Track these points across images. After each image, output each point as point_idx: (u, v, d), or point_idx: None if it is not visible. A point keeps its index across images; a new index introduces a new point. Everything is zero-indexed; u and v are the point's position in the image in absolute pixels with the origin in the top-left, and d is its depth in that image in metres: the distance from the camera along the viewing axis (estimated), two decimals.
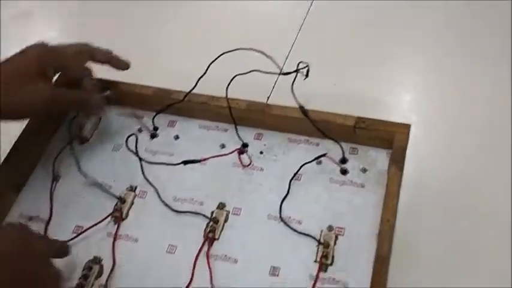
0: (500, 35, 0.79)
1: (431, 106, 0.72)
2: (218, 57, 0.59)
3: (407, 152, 0.55)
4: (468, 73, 0.75)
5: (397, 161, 0.53)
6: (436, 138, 0.67)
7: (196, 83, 0.60)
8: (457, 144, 0.66)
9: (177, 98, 0.62)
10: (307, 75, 0.56)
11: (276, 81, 0.74)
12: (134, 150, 0.57)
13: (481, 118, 0.69)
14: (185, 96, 0.61)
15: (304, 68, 0.56)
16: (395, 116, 0.57)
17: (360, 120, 0.57)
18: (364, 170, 0.57)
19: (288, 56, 0.79)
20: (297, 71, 0.56)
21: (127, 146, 0.57)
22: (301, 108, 0.58)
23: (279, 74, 0.58)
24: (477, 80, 0.74)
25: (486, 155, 0.65)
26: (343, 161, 0.58)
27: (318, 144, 0.60)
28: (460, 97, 0.72)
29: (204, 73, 0.60)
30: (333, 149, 0.58)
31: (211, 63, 0.59)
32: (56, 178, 0.61)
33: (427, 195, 0.60)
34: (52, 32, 0.99)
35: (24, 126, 0.63)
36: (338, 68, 0.77)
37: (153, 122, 0.64)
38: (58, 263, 0.52)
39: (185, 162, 0.56)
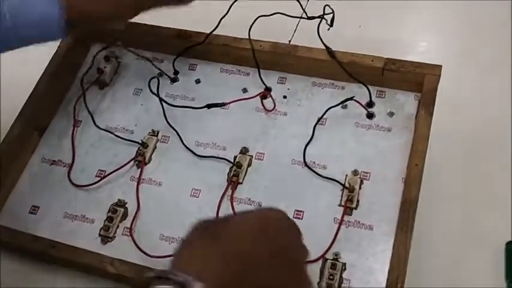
0: None
1: (462, 49, 0.68)
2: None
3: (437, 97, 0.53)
4: (500, 14, 0.71)
5: (427, 104, 0.51)
6: (466, 83, 0.64)
7: (218, 23, 0.58)
8: (489, 89, 0.63)
9: (197, 40, 0.60)
10: (331, 25, 0.54)
11: (298, 24, 0.71)
12: (156, 93, 0.56)
13: None
14: (206, 37, 0.59)
15: (330, 13, 0.54)
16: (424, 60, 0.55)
17: (389, 61, 0.55)
18: (391, 114, 0.55)
19: None
20: (322, 16, 0.54)
21: (150, 88, 0.56)
22: (328, 49, 0.56)
23: (303, 17, 0.55)
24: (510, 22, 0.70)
25: None
26: (370, 104, 0.56)
27: (343, 88, 0.58)
28: (492, 40, 0.69)
29: (226, 13, 0.57)
30: (359, 93, 0.56)
31: (234, 2, 0.57)
32: (77, 123, 0.61)
33: (456, 142, 0.58)
34: None
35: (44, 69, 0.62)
36: (363, 10, 0.73)
37: (173, 65, 0.62)
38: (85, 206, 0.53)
39: (209, 106, 0.54)
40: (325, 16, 0.54)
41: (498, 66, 0.66)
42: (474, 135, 0.59)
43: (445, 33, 0.71)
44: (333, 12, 0.54)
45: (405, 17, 0.73)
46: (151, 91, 0.56)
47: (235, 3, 0.57)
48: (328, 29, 0.54)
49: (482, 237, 0.51)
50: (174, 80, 0.62)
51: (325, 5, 0.54)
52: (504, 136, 0.59)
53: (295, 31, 0.71)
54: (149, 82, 0.56)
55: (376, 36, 0.71)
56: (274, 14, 0.57)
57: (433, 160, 0.52)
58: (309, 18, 0.56)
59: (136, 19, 0.58)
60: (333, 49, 0.57)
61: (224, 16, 0.58)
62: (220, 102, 0.57)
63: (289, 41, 0.71)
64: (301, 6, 0.56)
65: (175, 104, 0.58)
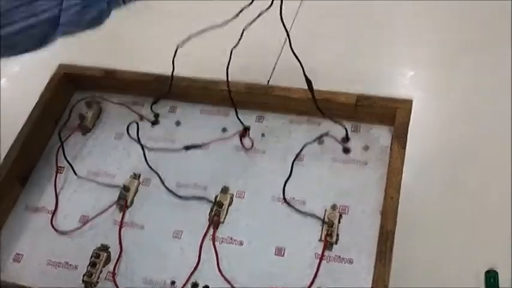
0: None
1: (433, 81, 0.71)
2: (201, 31, 0.56)
3: (411, 127, 0.54)
4: (470, 47, 0.74)
5: (400, 137, 0.53)
6: (438, 113, 0.67)
7: (172, 65, 0.58)
8: (459, 119, 0.65)
9: (177, 84, 0.62)
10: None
11: (275, 65, 0.73)
12: (136, 138, 0.57)
13: (483, 92, 0.68)
14: (183, 81, 0.61)
15: None
16: (397, 93, 0.57)
17: (361, 97, 0.56)
18: (366, 148, 0.57)
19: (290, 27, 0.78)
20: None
21: (128, 134, 0.57)
22: (308, 82, 0.56)
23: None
24: (479, 54, 0.73)
25: (488, 129, 0.64)
26: (345, 139, 0.57)
27: (319, 124, 0.59)
28: (463, 72, 0.71)
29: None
30: (335, 128, 0.58)
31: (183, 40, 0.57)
32: (59, 169, 0.62)
33: (430, 170, 0.60)
34: None
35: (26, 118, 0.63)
36: (338, 46, 0.76)
37: (151, 109, 0.64)
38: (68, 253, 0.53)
39: (187, 148, 0.56)
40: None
41: (470, 96, 0.68)
42: (448, 164, 0.61)
43: (420, 66, 0.74)
44: None
45: (380, 50, 0.76)
46: (130, 136, 0.57)
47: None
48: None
49: (460, 266, 0.52)
50: (154, 123, 0.63)
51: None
52: (478, 164, 0.61)
53: (273, 70, 0.73)
54: (127, 127, 0.57)
55: (352, 70, 0.73)
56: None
57: (410, 190, 0.54)
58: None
59: (117, 66, 0.60)
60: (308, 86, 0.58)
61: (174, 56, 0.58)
62: (200, 143, 0.59)
63: (268, 81, 0.74)
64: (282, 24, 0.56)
65: (155, 147, 0.59)
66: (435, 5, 0.80)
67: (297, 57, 0.53)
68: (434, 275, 0.52)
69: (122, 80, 0.64)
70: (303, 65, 0.52)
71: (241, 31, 0.51)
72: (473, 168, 0.60)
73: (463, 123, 0.65)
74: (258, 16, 0.50)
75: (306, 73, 0.52)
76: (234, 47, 0.52)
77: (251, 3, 0.50)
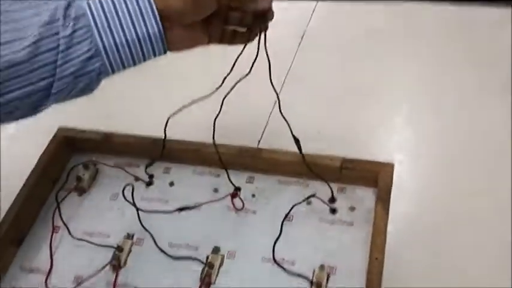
0: (483, 73, 0.82)
1: (417, 144, 0.74)
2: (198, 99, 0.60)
3: (394, 189, 0.57)
4: (452, 110, 0.78)
5: (383, 200, 0.55)
6: (422, 174, 0.69)
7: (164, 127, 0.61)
8: (444, 181, 0.68)
9: (171, 147, 0.65)
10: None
11: (265, 126, 0.76)
12: (131, 200, 0.59)
13: (469, 156, 0.71)
14: (177, 144, 0.64)
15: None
16: (381, 155, 0.60)
17: (346, 161, 0.59)
18: (352, 209, 0.59)
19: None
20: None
21: (124, 196, 0.59)
22: (297, 141, 0.59)
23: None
24: (462, 117, 0.77)
25: (472, 192, 0.67)
26: (332, 200, 0.60)
27: (307, 185, 0.62)
28: (445, 134, 0.75)
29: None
30: (322, 189, 0.60)
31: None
32: (55, 229, 0.63)
33: (414, 230, 0.62)
34: None
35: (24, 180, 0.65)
36: (323, 109, 0.80)
37: (145, 171, 0.66)
38: None
39: (180, 210, 0.58)
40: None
41: (454, 159, 0.72)
42: (433, 224, 0.63)
43: (404, 128, 0.77)
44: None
45: (364, 114, 0.80)
46: (125, 199, 0.59)
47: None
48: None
49: None
50: (149, 184, 0.66)
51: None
52: (463, 224, 0.63)
53: (263, 133, 0.76)
54: (123, 190, 0.59)
55: (337, 134, 0.76)
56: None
57: (396, 249, 0.56)
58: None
59: (112, 129, 0.62)
60: (296, 149, 0.61)
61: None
62: (193, 203, 0.61)
63: (259, 142, 0.77)
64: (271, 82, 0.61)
65: (149, 208, 0.61)
66: (417, 73, 0.85)
67: (285, 119, 0.56)
68: None
69: (118, 143, 0.67)
70: (291, 126, 0.56)
71: (222, 101, 0.55)
72: (457, 227, 0.62)
73: (446, 183, 0.68)
74: (233, 87, 0.54)
75: (294, 133, 0.56)
76: (216, 117, 0.56)
77: (229, 73, 0.54)
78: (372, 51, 0.90)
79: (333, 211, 0.59)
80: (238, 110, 0.62)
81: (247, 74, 0.54)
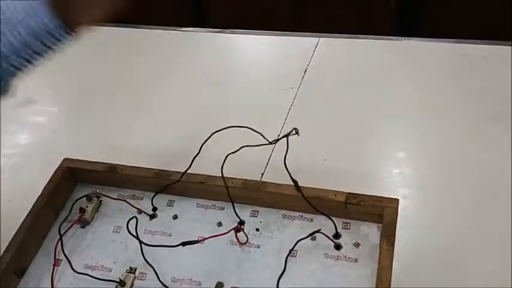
0: (482, 103, 0.84)
1: (422, 179, 0.74)
2: (210, 136, 0.62)
3: (400, 223, 0.57)
4: (455, 144, 0.79)
5: (388, 236, 0.55)
6: (428, 210, 0.69)
7: (191, 163, 0.63)
8: (449, 215, 0.68)
9: (174, 179, 0.65)
10: (298, 133, 0.57)
11: (269, 159, 0.77)
12: (134, 233, 0.59)
13: (472, 189, 0.71)
14: (181, 176, 0.64)
15: (292, 132, 0.57)
16: (386, 190, 0.60)
17: (350, 195, 0.59)
18: (357, 245, 0.59)
19: (280, 132, 0.83)
20: (287, 135, 0.58)
21: (128, 230, 0.59)
22: (295, 183, 0.60)
23: (269, 143, 0.60)
24: (465, 151, 0.77)
25: (477, 226, 0.67)
26: (337, 236, 0.59)
27: (311, 220, 0.62)
28: (450, 168, 0.75)
29: (198, 153, 0.63)
30: (326, 224, 0.60)
31: (203, 143, 0.62)
32: (57, 262, 0.63)
33: (420, 266, 0.61)
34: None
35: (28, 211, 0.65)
36: (328, 144, 0.80)
37: (152, 203, 0.66)
38: None
39: (183, 244, 0.57)
40: (292, 133, 0.58)
41: (457, 193, 0.72)
42: (438, 257, 0.63)
43: (410, 163, 0.78)
44: (296, 129, 0.57)
45: (368, 148, 0.80)
46: (129, 232, 0.59)
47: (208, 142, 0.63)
48: (298, 136, 0.57)
49: None
50: (152, 217, 0.66)
51: (292, 129, 0.59)
52: (466, 256, 0.62)
53: (266, 166, 0.77)
54: (127, 223, 0.59)
55: (342, 168, 0.77)
56: (242, 147, 0.61)
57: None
58: (272, 143, 0.60)
59: (119, 161, 0.63)
60: (300, 182, 0.61)
61: (196, 156, 0.63)
62: (197, 236, 0.61)
63: (262, 175, 0.77)
64: (265, 138, 0.61)
65: (153, 241, 0.60)
66: (419, 105, 0.87)
67: (287, 169, 0.57)
68: None
69: (122, 175, 0.68)
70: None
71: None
72: (464, 261, 0.62)
73: (452, 218, 0.68)
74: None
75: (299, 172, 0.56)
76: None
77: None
78: (373, 85, 0.91)
79: (338, 247, 0.59)
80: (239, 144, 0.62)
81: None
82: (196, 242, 0.58)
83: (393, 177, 0.74)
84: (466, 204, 0.70)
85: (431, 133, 0.81)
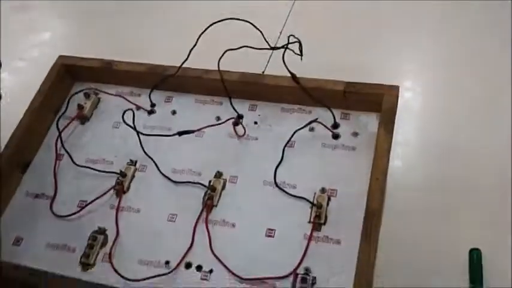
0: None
1: (427, 72, 0.72)
2: (209, 27, 0.60)
3: (402, 115, 0.56)
4: (462, 38, 0.76)
5: (387, 123, 0.54)
6: (430, 101, 0.68)
7: (188, 55, 0.62)
8: (453, 109, 0.67)
9: (171, 73, 0.64)
10: (301, 54, 0.57)
11: (270, 56, 0.75)
12: (132, 126, 0.59)
13: (472, 81, 0.70)
14: (178, 69, 0.63)
15: (294, 42, 0.57)
16: (389, 83, 0.58)
17: (349, 84, 0.58)
18: (355, 134, 0.58)
19: (281, 31, 0.80)
20: (287, 45, 0.57)
21: (124, 120, 0.59)
22: (293, 75, 0.59)
23: (270, 48, 0.59)
24: (468, 44, 0.74)
25: (478, 117, 0.66)
26: (335, 126, 0.59)
27: (310, 112, 0.61)
28: (456, 62, 0.73)
29: (195, 45, 0.61)
30: (325, 116, 0.59)
31: (201, 34, 0.61)
32: (59, 157, 0.64)
33: (421, 157, 0.61)
34: (52, 24, 1.01)
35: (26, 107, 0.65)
36: (328, 40, 0.78)
37: (150, 98, 0.65)
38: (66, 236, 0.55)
39: (180, 133, 0.57)
40: (291, 46, 0.57)
41: (462, 87, 0.70)
42: (438, 146, 0.62)
43: (411, 57, 0.76)
44: (299, 41, 0.57)
45: (371, 43, 0.78)
46: (125, 123, 0.59)
47: (207, 37, 0.61)
48: (301, 59, 0.57)
49: (447, 244, 0.53)
50: (151, 112, 0.65)
51: (289, 35, 0.58)
52: (466, 144, 0.62)
53: (268, 61, 0.75)
54: (123, 115, 0.59)
55: (343, 63, 0.75)
56: (242, 47, 0.60)
57: (400, 175, 0.56)
58: (275, 48, 0.60)
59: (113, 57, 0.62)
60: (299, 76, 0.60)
61: (193, 48, 0.61)
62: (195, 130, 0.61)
63: (263, 72, 0.75)
64: (264, 39, 0.60)
65: (151, 134, 0.61)
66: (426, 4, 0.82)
67: (284, 62, 0.55)
68: (420, 252, 0.53)
69: (118, 71, 0.66)
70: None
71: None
72: (461, 155, 0.62)
73: (455, 112, 0.67)
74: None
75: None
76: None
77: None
78: None
79: (336, 137, 0.58)
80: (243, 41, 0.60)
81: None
82: (193, 131, 0.58)
83: (397, 70, 0.71)
84: (471, 98, 0.68)
85: (438, 27, 0.78)
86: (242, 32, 0.60)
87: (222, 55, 0.61)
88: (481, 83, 0.69)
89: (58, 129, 0.64)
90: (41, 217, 0.59)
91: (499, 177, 0.59)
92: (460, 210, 0.56)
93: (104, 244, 0.56)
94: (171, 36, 0.83)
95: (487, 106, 0.68)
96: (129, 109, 0.60)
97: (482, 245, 0.51)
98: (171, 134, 0.59)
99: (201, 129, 0.60)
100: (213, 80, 0.63)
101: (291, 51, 0.57)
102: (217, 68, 0.61)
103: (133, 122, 0.59)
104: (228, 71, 0.62)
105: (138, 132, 0.59)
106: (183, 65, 0.63)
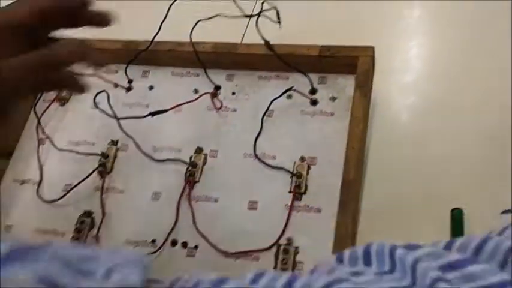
0: None
1: (399, 31, 0.69)
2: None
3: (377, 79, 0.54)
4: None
5: (362, 86, 0.53)
6: (407, 64, 0.66)
7: (159, 29, 0.60)
8: (435, 69, 0.65)
9: (143, 48, 0.62)
10: (279, 20, 0.55)
11: (248, 24, 0.72)
12: (108, 107, 0.59)
13: (452, 40, 0.67)
14: (150, 44, 0.61)
15: (269, 9, 0.55)
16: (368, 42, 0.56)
17: (324, 48, 0.56)
18: (333, 99, 0.57)
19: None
20: (259, 12, 0.55)
21: (95, 103, 0.59)
22: (266, 42, 0.58)
23: (245, 16, 0.57)
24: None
25: (457, 78, 0.63)
26: (313, 91, 0.58)
27: (287, 79, 0.60)
28: (442, 13, 0.70)
29: (165, 17, 0.59)
30: (304, 81, 0.58)
31: (171, 4, 0.59)
32: (42, 141, 0.64)
33: (399, 122, 0.60)
34: None
35: None
36: (302, 3, 0.74)
37: (126, 74, 0.64)
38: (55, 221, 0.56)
39: (153, 114, 0.57)
40: (266, 13, 0.55)
41: (448, 38, 0.67)
42: (417, 116, 0.61)
43: (389, 15, 0.72)
44: (275, 9, 0.55)
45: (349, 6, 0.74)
46: (96, 107, 0.58)
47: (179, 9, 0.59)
48: (280, 26, 0.56)
49: (427, 205, 0.53)
50: (129, 89, 0.65)
51: (262, 2, 0.56)
52: (448, 112, 0.60)
53: (246, 30, 0.73)
54: (94, 98, 0.58)
55: (320, 26, 0.72)
56: (215, 16, 0.58)
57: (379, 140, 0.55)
58: (248, 16, 0.58)
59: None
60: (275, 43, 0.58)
61: (163, 21, 0.60)
62: (166, 107, 0.60)
63: (241, 41, 0.73)
64: (237, 6, 0.58)
65: (131, 115, 0.60)
66: None
67: (258, 30, 0.54)
68: (402, 213, 0.53)
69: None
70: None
71: None
72: (444, 117, 0.60)
73: (441, 66, 0.65)
74: None
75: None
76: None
77: None
78: None
79: (314, 103, 0.57)
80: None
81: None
82: (165, 111, 0.58)
83: (373, 25, 0.69)
84: (457, 47, 0.65)
85: None
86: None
87: (194, 26, 0.60)
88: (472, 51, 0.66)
89: (36, 113, 0.63)
90: (29, 203, 0.60)
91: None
92: (444, 168, 0.55)
93: (91, 227, 0.57)
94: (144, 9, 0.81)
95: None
96: (102, 90, 0.59)
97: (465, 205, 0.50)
98: (145, 115, 0.58)
99: (174, 107, 0.59)
100: (187, 52, 0.61)
101: (268, 19, 0.56)
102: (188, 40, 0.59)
103: (109, 104, 0.59)
104: (201, 42, 0.61)
105: (116, 117, 0.58)
106: (156, 39, 0.62)
